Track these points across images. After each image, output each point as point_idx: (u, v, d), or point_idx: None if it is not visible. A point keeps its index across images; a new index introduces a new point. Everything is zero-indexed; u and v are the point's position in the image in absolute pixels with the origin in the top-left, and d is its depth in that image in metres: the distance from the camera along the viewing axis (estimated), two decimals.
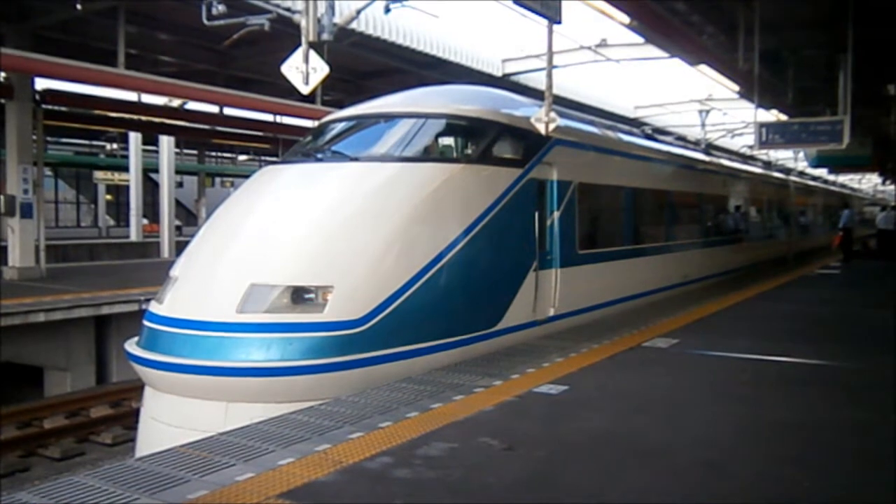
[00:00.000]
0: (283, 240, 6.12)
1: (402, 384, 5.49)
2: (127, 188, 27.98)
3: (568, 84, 18.63)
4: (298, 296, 5.72)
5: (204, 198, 24.12)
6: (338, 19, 9.82)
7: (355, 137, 7.46)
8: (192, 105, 17.90)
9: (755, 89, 12.75)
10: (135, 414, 7.17)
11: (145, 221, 28.94)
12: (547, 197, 7.91)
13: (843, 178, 47.08)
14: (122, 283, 12.69)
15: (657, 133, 14.14)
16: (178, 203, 27.65)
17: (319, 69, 8.86)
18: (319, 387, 5.43)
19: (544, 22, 7.52)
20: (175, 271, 6.42)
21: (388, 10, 10.99)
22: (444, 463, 3.82)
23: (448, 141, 7.65)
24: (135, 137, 23.78)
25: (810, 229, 25.04)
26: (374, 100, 8.17)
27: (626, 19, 9.26)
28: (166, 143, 21.48)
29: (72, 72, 11.18)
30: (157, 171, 23.01)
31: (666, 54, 12.61)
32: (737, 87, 13.30)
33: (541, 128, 7.48)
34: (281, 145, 20.18)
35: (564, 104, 14.63)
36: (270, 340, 5.52)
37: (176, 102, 17.64)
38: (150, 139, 23.55)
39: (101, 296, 11.03)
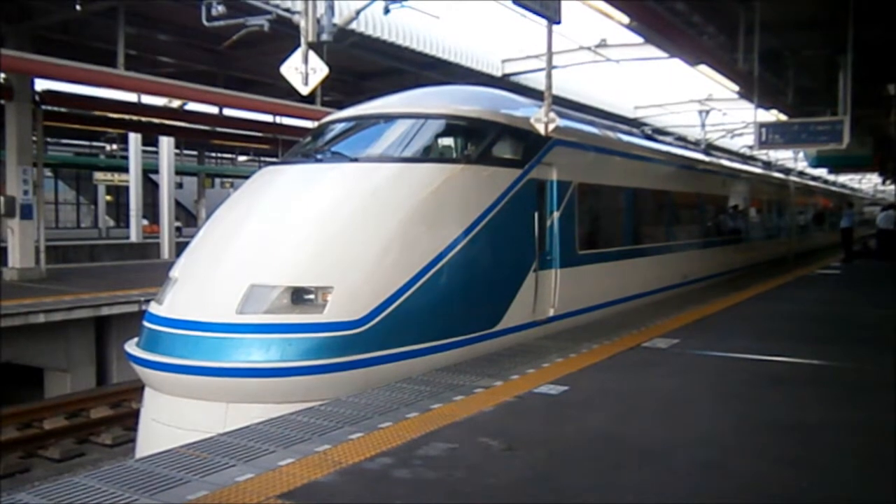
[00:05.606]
0: (283, 240, 6.12)
1: (402, 385, 5.49)
2: (127, 189, 28.05)
3: (568, 84, 18.62)
4: (298, 296, 5.72)
5: (204, 198, 24.15)
6: (337, 20, 9.81)
7: (355, 138, 7.46)
8: (192, 106, 17.91)
9: (755, 89, 12.75)
10: (135, 415, 7.16)
11: (145, 222, 28.97)
12: (547, 197, 7.90)
13: (843, 178, 47.08)
14: (122, 283, 12.69)
15: (657, 133, 14.13)
16: (178, 204, 27.68)
17: (319, 70, 8.85)
18: (319, 387, 5.44)
19: (544, 22, 7.52)
20: (175, 272, 6.42)
21: (387, 10, 10.98)
22: (444, 463, 3.82)
23: (448, 141, 7.64)
24: (134, 138, 23.82)
25: (810, 229, 25.04)
26: (374, 100, 8.16)
27: (625, 19, 9.25)
28: (166, 143, 21.52)
29: (71, 72, 11.18)
30: (156, 171, 23.08)
31: (665, 54, 12.61)
32: (737, 88, 13.29)
33: (540, 128, 7.48)
34: (280, 146, 20.20)
35: (564, 104, 14.63)
36: (270, 341, 5.52)
37: (176, 103, 17.66)
38: (150, 140, 23.58)
39: (101, 297, 11.04)
